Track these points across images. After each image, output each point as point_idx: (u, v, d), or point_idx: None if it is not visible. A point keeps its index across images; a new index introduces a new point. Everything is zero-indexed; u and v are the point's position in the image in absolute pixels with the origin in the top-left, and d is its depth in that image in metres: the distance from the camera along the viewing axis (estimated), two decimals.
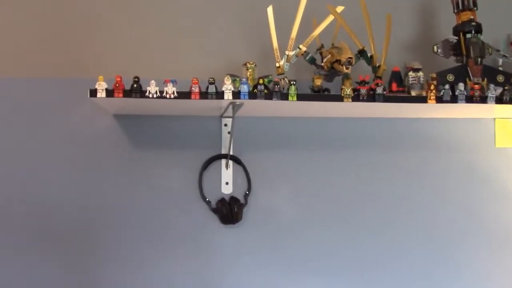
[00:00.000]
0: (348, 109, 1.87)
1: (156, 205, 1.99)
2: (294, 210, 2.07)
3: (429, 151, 2.18)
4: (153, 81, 1.65)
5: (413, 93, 1.80)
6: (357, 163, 2.12)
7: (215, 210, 1.97)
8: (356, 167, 2.12)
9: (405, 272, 2.12)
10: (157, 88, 1.65)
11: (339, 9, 1.81)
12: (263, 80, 1.72)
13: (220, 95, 1.67)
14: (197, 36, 2.06)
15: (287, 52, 1.77)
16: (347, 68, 1.72)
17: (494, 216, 2.20)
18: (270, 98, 1.68)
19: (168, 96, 1.64)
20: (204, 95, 1.66)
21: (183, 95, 1.66)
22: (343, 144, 2.11)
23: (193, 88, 1.66)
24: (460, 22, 1.91)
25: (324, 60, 1.78)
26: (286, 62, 1.78)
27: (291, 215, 2.07)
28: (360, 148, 2.12)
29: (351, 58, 1.71)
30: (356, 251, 2.10)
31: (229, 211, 1.95)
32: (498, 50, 2.04)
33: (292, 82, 1.70)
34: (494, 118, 2.22)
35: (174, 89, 1.65)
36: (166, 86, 1.65)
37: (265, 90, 1.70)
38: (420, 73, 1.82)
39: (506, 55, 2.04)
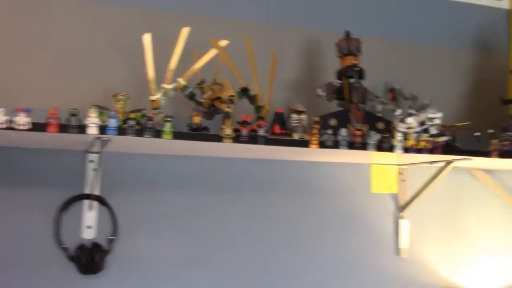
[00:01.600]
0: (228, 149, 1.74)
1: (3, 252, 1.69)
2: (163, 256, 1.89)
3: (307, 194, 2.13)
4: (1, 109, 1.39)
5: (296, 136, 1.72)
6: (236, 204, 2.02)
7: (73, 258, 1.72)
8: (235, 209, 2.02)
9: None
10: (6, 118, 1.39)
11: (223, 43, 1.69)
12: (135, 115, 1.53)
13: (82, 129, 1.45)
14: (66, 61, 1.82)
15: (164, 85, 1.61)
16: (228, 107, 1.59)
17: (367, 260, 2.18)
18: (141, 135, 1.49)
19: (18, 127, 1.39)
20: (64, 128, 1.44)
21: (38, 127, 1.42)
22: (221, 184, 2.00)
23: (50, 120, 1.42)
24: (344, 66, 1.89)
25: (204, 97, 1.64)
26: (163, 96, 1.61)
27: (159, 263, 1.87)
28: (239, 189, 2.02)
29: (233, 96, 1.59)
30: None
31: (89, 259, 1.71)
32: (377, 97, 2.05)
33: (168, 119, 1.53)
34: (370, 164, 2.22)
35: (28, 119, 1.40)
36: (18, 115, 1.40)
37: (137, 126, 1.51)
38: (303, 116, 1.74)
39: (385, 101, 2.05)
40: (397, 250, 2.24)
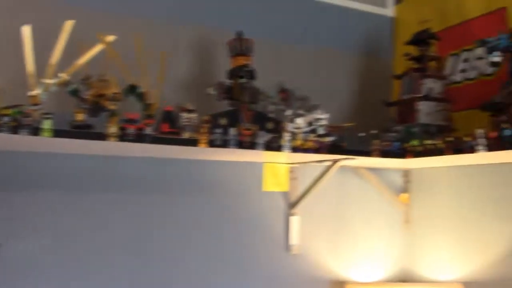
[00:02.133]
0: (114, 147, 1.69)
1: None
2: (43, 259, 1.80)
3: (200, 193, 2.14)
4: None
5: (186, 135, 1.70)
6: (121, 204, 1.98)
7: None
8: (121, 209, 1.98)
9: None
10: None
11: (110, 38, 1.63)
12: (11, 111, 1.44)
13: None
14: None
15: (45, 80, 1.52)
16: (112, 104, 1.54)
17: (260, 257, 2.23)
18: (16, 132, 1.40)
19: None
20: None
21: None
22: (107, 184, 1.94)
23: None
24: (235, 66, 1.90)
25: (88, 93, 1.58)
26: (44, 91, 1.53)
27: (39, 265, 1.78)
28: (125, 188, 1.98)
29: (117, 93, 1.54)
30: None
31: None
32: (269, 97, 2.09)
33: (47, 115, 1.46)
34: (263, 162, 2.26)
35: None
36: None
37: (13, 122, 1.42)
38: (194, 115, 1.73)
39: (276, 102, 2.09)
40: (288, 247, 2.30)
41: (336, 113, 2.27)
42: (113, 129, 1.53)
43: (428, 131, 2.08)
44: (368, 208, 2.51)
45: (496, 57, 1.75)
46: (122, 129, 1.56)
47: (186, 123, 1.71)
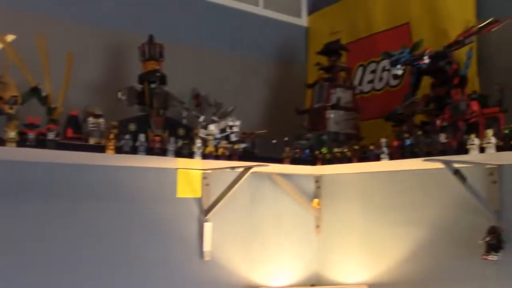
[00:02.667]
0: (16, 153, 1.60)
1: None
2: None
3: (113, 199, 2.08)
4: None
5: (92, 141, 1.65)
6: (26, 211, 1.88)
7: None
8: (20, 216, 1.87)
9: None
10: None
11: (10, 38, 1.55)
12: None
13: None
14: None
15: None
16: (10, 108, 1.46)
17: (173, 264, 2.21)
18: None
19: None
20: None
21: None
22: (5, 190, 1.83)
23: None
24: (145, 70, 1.87)
25: None
26: None
27: None
28: (30, 194, 1.88)
29: (16, 96, 1.46)
30: None
31: None
32: (182, 103, 2.07)
33: None
34: (177, 169, 2.24)
35: None
36: None
37: None
38: (101, 120, 1.68)
39: (189, 108, 2.07)
40: (201, 253, 2.29)
41: (250, 120, 2.31)
42: (11, 134, 1.45)
43: (337, 139, 2.15)
44: (281, 213, 2.55)
45: (398, 70, 1.84)
46: (21, 134, 1.48)
47: (93, 129, 1.65)
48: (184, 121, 2.04)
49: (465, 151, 1.61)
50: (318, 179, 2.66)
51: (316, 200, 2.65)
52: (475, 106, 1.67)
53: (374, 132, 2.20)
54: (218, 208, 2.29)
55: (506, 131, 1.53)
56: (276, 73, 2.62)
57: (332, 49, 2.26)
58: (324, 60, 2.30)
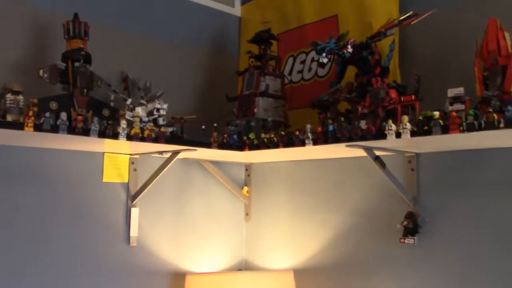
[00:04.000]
0: None
1: None
2: None
3: (37, 182, 2.02)
4: None
5: (10, 118, 1.59)
6: None
7: None
8: None
9: None
10: None
11: None
12: None
13: None
14: None
15: None
16: None
17: (99, 250, 2.17)
18: None
19: None
20: None
21: None
22: None
23: None
24: (69, 49, 1.83)
25: None
26: None
27: None
28: None
29: None
30: None
31: None
32: (109, 85, 2.04)
33: None
34: (104, 152, 2.20)
35: None
36: None
37: None
38: (20, 97, 1.63)
39: (116, 90, 2.05)
40: (128, 239, 2.26)
41: (181, 106, 2.32)
42: None
43: (265, 125, 2.19)
44: (211, 200, 2.57)
45: (324, 58, 1.89)
46: None
47: (11, 105, 1.60)
48: (112, 104, 2.01)
49: (383, 136, 1.68)
50: (248, 167, 2.69)
51: (246, 188, 2.68)
52: (393, 94, 1.75)
53: (301, 120, 2.24)
54: (146, 194, 2.27)
55: (420, 117, 1.61)
56: (209, 60, 2.63)
57: (262, 38, 2.29)
58: (255, 49, 2.32)
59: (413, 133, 1.63)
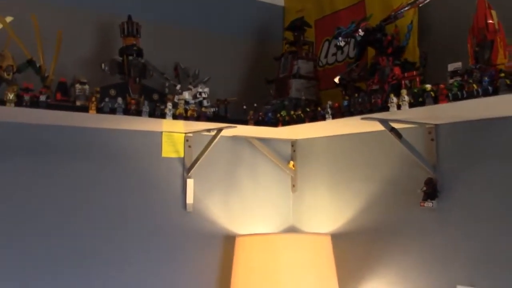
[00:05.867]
0: (15, 113, 1.97)
1: None
2: None
3: (103, 160, 2.43)
4: None
5: (78, 103, 2.00)
6: (25, 170, 2.24)
7: None
8: (26, 174, 2.24)
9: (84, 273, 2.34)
10: None
11: (8, 19, 1.91)
12: None
13: None
14: None
15: None
16: (8, 75, 1.83)
17: (159, 215, 2.57)
18: None
19: None
20: None
21: None
22: (10, 150, 2.20)
23: None
24: (124, 45, 2.22)
25: None
26: None
27: None
28: (33, 155, 2.25)
29: (11, 65, 1.83)
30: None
31: None
32: (163, 73, 2.41)
33: None
34: (162, 132, 2.59)
35: None
36: None
37: None
38: (86, 86, 2.03)
39: (168, 78, 2.41)
40: (185, 206, 2.64)
41: (228, 91, 2.64)
42: (10, 96, 1.82)
43: (298, 104, 2.46)
44: (259, 173, 2.88)
45: (340, 42, 2.13)
46: (19, 96, 1.85)
47: (79, 93, 2.01)
48: (166, 90, 2.38)
49: (387, 109, 1.90)
50: (293, 143, 2.98)
51: (292, 162, 2.96)
52: (397, 71, 1.95)
53: (334, 99, 2.48)
54: (200, 167, 2.63)
55: (415, 90, 1.82)
56: (254, 49, 2.93)
57: (296, 26, 2.55)
58: (290, 36, 2.59)
59: (411, 105, 1.83)
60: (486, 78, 1.59)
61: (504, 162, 1.99)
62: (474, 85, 1.62)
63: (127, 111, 2.07)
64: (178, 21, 2.69)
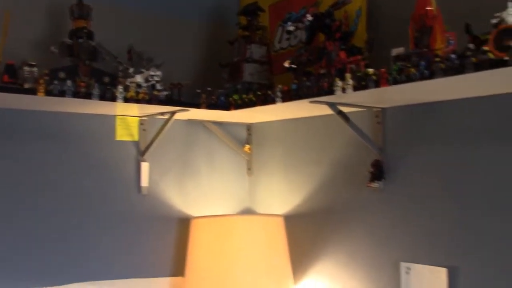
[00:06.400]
0: None
1: None
2: None
3: (55, 144, 2.42)
4: None
5: (26, 86, 1.99)
6: None
7: None
8: None
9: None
10: None
11: None
12: None
13: None
14: None
15: None
16: None
17: (114, 198, 2.58)
18: None
19: None
20: None
21: None
22: None
23: None
24: (74, 27, 2.20)
25: None
26: None
27: None
28: None
29: None
30: None
31: None
32: (115, 57, 2.40)
33: None
34: (115, 115, 2.59)
35: None
36: None
37: None
38: (35, 69, 2.02)
39: (121, 61, 2.40)
40: (139, 188, 2.66)
41: (183, 74, 2.65)
42: None
43: (251, 88, 2.50)
44: (215, 157, 2.92)
45: (290, 27, 2.17)
46: None
47: (27, 76, 2.00)
48: (120, 74, 2.38)
49: (333, 92, 1.96)
50: (249, 127, 3.02)
51: (247, 146, 3.01)
52: (342, 55, 2.01)
53: (287, 83, 2.53)
54: (155, 151, 2.64)
55: (358, 74, 1.88)
56: (210, 33, 2.94)
57: (249, 10, 2.58)
58: (243, 20, 2.62)
59: (355, 88, 1.90)
60: (422, 62, 1.66)
61: (445, 144, 2.08)
62: (412, 69, 1.69)
63: (76, 94, 2.06)
64: (133, 4, 2.67)
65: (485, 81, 1.67)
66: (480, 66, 1.51)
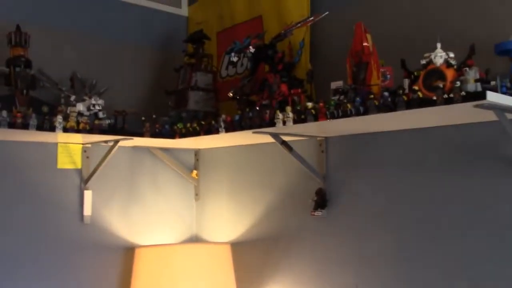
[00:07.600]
0: None
1: None
2: None
3: None
4: None
5: None
6: None
7: None
8: None
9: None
10: None
11: None
12: None
13: None
14: None
15: None
16: None
17: (57, 227, 2.50)
18: None
19: None
20: None
21: None
22: None
23: None
24: (12, 56, 2.15)
25: None
26: None
27: None
28: None
29: None
30: None
31: None
32: (56, 84, 2.35)
33: None
34: (57, 143, 2.53)
35: None
36: None
37: None
38: None
39: (62, 89, 2.36)
40: (82, 218, 2.59)
41: (128, 101, 2.63)
42: None
43: (196, 116, 2.49)
44: (161, 183, 2.88)
45: (233, 58, 2.19)
46: None
47: None
48: (62, 101, 2.33)
49: (274, 124, 1.98)
50: (197, 153, 3.00)
51: (195, 171, 2.99)
52: (284, 87, 2.03)
53: (232, 111, 2.54)
54: (98, 178, 2.59)
55: (298, 107, 1.90)
56: (156, 59, 2.93)
57: (194, 38, 2.58)
58: (190, 48, 2.62)
59: (295, 121, 1.92)
60: (358, 99, 1.70)
61: (384, 172, 2.12)
62: (348, 105, 1.72)
63: (12, 125, 2.00)
64: (77, 28, 2.63)
65: (416, 117, 1.72)
66: (410, 104, 1.56)
